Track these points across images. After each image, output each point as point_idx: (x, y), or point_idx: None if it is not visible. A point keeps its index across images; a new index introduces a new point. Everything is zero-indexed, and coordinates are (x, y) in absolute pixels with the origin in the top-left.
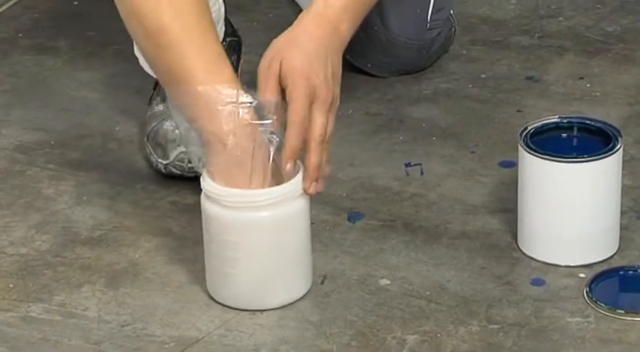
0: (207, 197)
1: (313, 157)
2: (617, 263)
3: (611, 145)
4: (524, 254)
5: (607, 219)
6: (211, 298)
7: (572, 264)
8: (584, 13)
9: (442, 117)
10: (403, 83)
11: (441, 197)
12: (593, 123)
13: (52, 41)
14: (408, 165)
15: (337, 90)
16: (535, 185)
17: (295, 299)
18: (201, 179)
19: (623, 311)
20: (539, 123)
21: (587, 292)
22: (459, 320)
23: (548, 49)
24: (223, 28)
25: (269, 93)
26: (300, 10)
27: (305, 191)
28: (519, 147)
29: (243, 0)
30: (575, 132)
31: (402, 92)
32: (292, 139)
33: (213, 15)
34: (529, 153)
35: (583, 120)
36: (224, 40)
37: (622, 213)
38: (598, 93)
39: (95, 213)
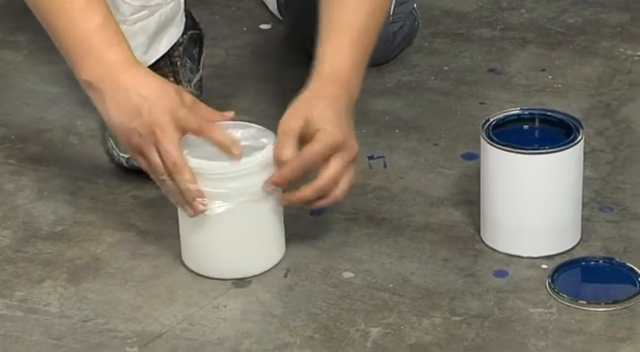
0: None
1: (309, 193)
2: (579, 254)
3: (572, 137)
4: (487, 246)
5: (569, 211)
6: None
7: (534, 256)
8: (546, 5)
9: (405, 109)
10: (366, 76)
11: (404, 189)
12: (554, 114)
13: (11, 35)
14: (371, 157)
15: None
16: (497, 177)
17: (270, 267)
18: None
19: (585, 302)
20: (501, 115)
21: (549, 283)
22: (422, 312)
23: (510, 41)
24: (184, 21)
25: (286, 149)
26: (262, 4)
27: (266, 188)
28: (481, 139)
29: None
30: (536, 124)
31: (364, 85)
32: (290, 171)
33: (171, 5)
34: (491, 145)
35: (545, 112)
36: (185, 33)
37: (584, 204)
38: (560, 85)
39: (56, 208)
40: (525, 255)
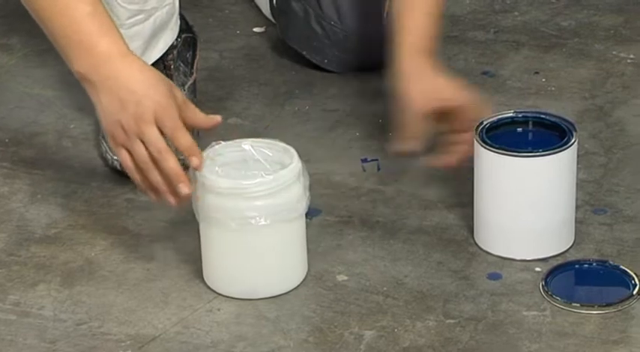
0: (208, 190)
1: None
2: (573, 256)
3: (566, 139)
4: (481, 248)
5: (562, 213)
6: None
7: (528, 258)
8: (539, 8)
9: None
10: (359, 79)
11: (398, 192)
12: (548, 117)
13: (4, 38)
14: (364, 160)
15: None
16: (491, 179)
17: (293, 287)
18: (205, 172)
19: (578, 305)
20: (494, 118)
21: (543, 286)
22: (416, 315)
23: (504, 43)
24: (178, 24)
25: (418, 131)
26: (256, 7)
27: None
28: (475, 142)
29: None
30: (530, 127)
31: (358, 88)
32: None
33: (166, 9)
34: (484, 147)
35: (538, 115)
36: (179, 36)
37: (577, 207)
38: (553, 88)
39: (50, 211)
40: (519, 257)
